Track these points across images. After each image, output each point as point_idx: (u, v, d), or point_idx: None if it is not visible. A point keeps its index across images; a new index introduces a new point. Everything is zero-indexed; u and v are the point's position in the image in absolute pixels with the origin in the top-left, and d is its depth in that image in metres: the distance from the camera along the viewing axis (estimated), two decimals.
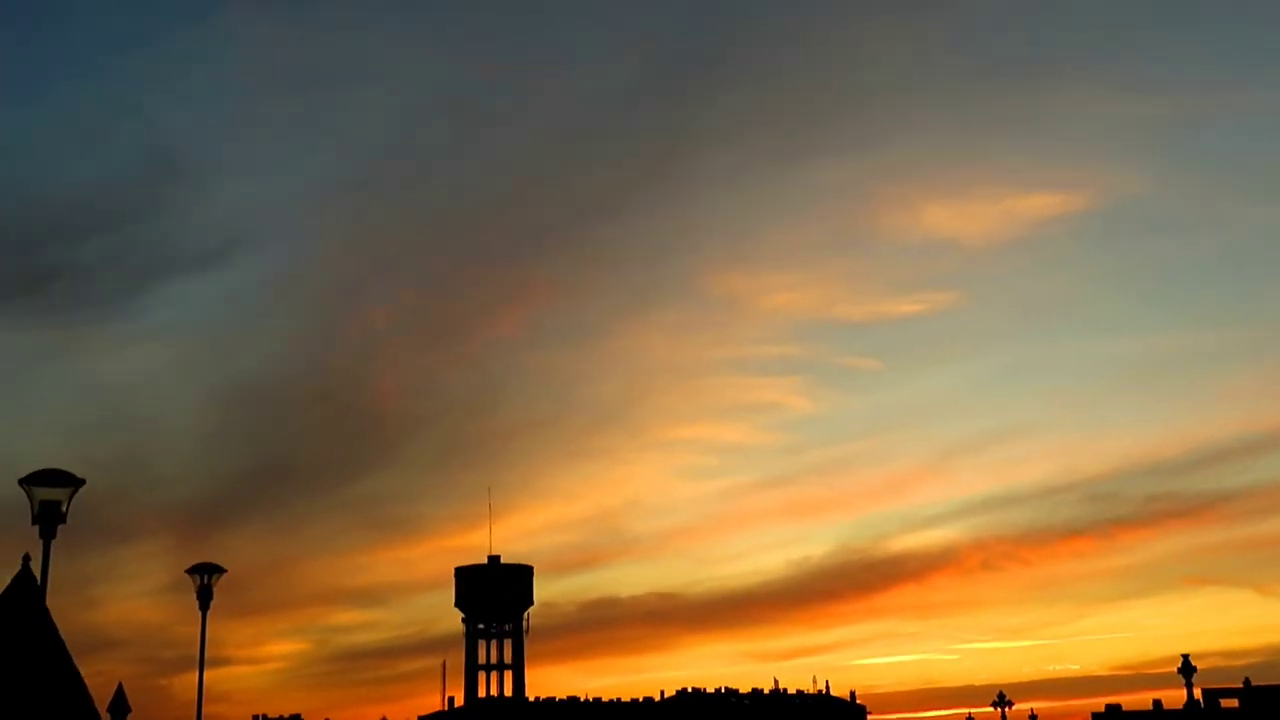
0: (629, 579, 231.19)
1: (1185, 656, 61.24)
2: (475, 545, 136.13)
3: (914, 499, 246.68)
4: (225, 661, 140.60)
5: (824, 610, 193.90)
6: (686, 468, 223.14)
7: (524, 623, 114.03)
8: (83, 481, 17.99)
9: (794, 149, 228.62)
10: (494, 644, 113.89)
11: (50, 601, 22.35)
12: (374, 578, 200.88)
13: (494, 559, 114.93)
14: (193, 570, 28.03)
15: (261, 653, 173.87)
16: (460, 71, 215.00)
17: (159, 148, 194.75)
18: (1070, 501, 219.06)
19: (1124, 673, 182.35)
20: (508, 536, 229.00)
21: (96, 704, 34.27)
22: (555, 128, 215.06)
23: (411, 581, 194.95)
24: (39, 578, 17.27)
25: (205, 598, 28.00)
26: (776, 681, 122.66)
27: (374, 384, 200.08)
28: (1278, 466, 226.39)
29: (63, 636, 33.40)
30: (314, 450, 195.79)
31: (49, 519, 17.53)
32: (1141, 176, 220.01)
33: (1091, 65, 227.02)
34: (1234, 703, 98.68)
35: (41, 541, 17.75)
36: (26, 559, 32.54)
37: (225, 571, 28.49)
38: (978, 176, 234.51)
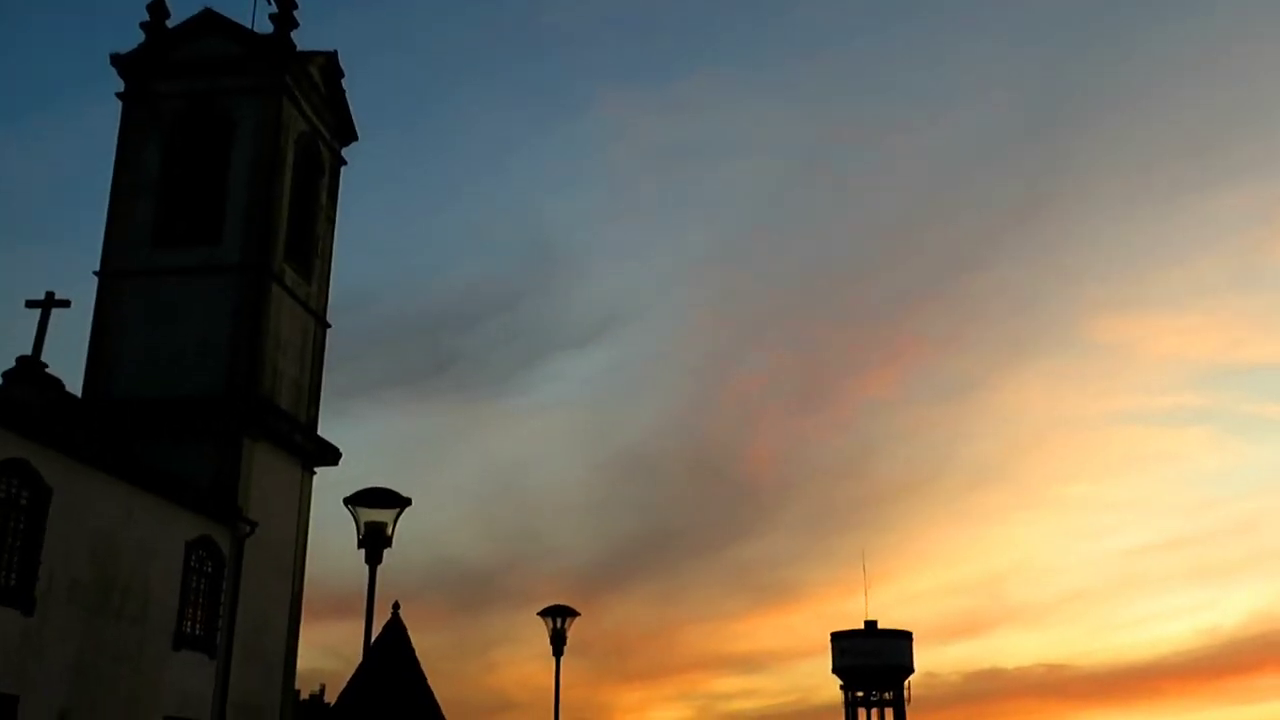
0: (1015, 647, 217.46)
1: None
2: (851, 611, 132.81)
3: None
4: None
5: (1238, 684, 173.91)
6: (1076, 527, 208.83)
7: (905, 691, 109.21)
8: (409, 501, 16.95)
9: (1181, 180, 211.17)
10: (874, 713, 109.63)
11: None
12: (752, 644, 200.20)
13: (870, 624, 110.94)
14: (545, 613, 27.27)
15: (647, 716, 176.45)
16: (816, 136, 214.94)
17: (540, 236, 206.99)
18: None
19: None
20: (885, 602, 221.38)
21: None
22: (920, 179, 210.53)
23: (788, 648, 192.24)
24: (367, 601, 16.37)
25: (559, 642, 27.15)
26: None
27: (748, 450, 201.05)
28: None
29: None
30: (693, 517, 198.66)
31: (375, 542, 16.77)
32: None
33: None
34: None
35: (367, 566, 16.76)
36: (396, 606, 33.18)
37: (578, 615, 27.41)
38: None
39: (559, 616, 27.14)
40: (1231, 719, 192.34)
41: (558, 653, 27.15)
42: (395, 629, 32.94)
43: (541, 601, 30.73)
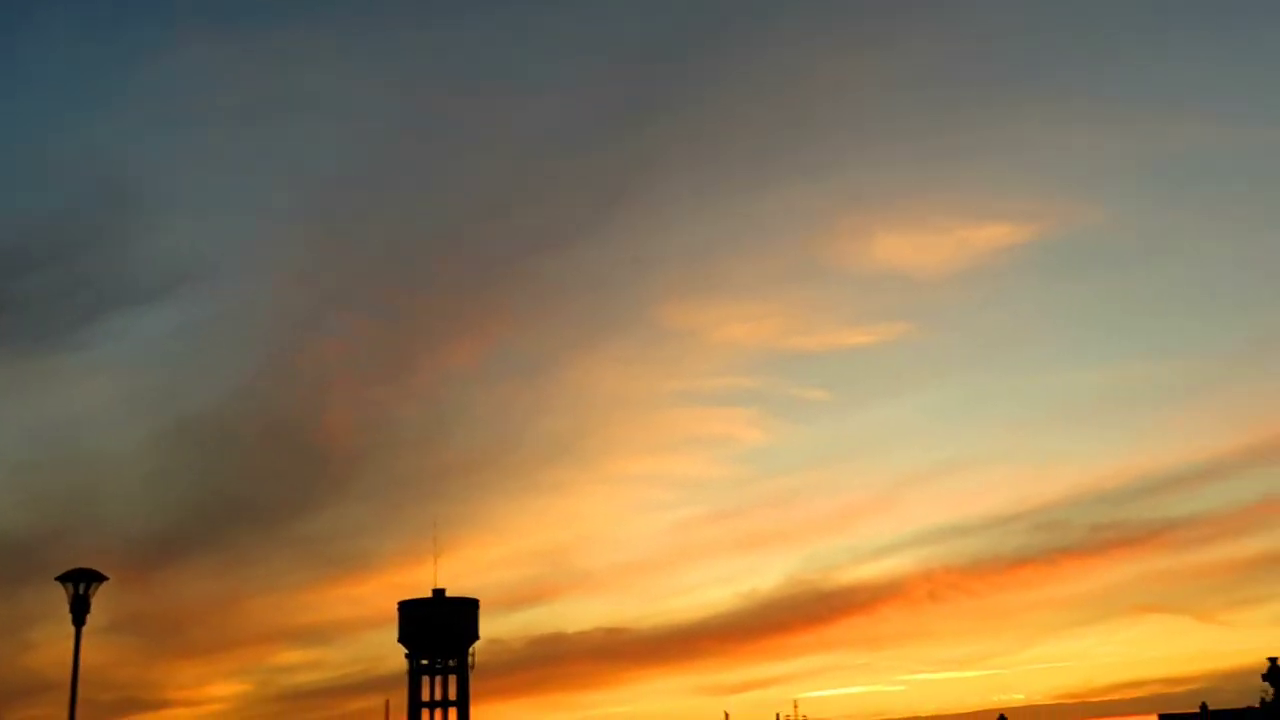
0: (578, 614, 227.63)
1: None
2: (421, 581, 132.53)
3: (863, 530, 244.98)
4: (164, 704, 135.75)
5: (773, 643, 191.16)
6: (637, 501, 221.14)
7: (469, 659, 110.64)
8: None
9: (749, 179, 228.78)
10: (438, 681, 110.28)
11: None
12: (319, 615, 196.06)
13: (438, 592, 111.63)
14: (65, 578, 25.05)
15: (202, 694, 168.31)
16: (413, 103, 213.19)
17: (110, 179, 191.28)
18: (1018, 531, 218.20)
19: (1068, 701, 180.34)
20: (455, 572, 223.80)
21: None
22: (508, 159, 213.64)
23: (357, 619, 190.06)
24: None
25: (80, 610, 25.18)
26: (727, 715, 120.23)
27: (324, 418, 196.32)
28: (1219, 495, 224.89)
29: None
30: (261, 486, 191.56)
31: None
32: (1093, 208, 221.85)
33: (1045, 97, 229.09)
34: None
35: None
36: None
37: (105, 579, 25.48)
38: (932, 207, 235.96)
39: (81, 582, 25.17)
40: (768, 672, 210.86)
41: (78, 622, 25.35)
42: None
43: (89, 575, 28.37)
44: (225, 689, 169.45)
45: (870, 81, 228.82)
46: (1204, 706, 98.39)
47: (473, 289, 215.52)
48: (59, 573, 26.98)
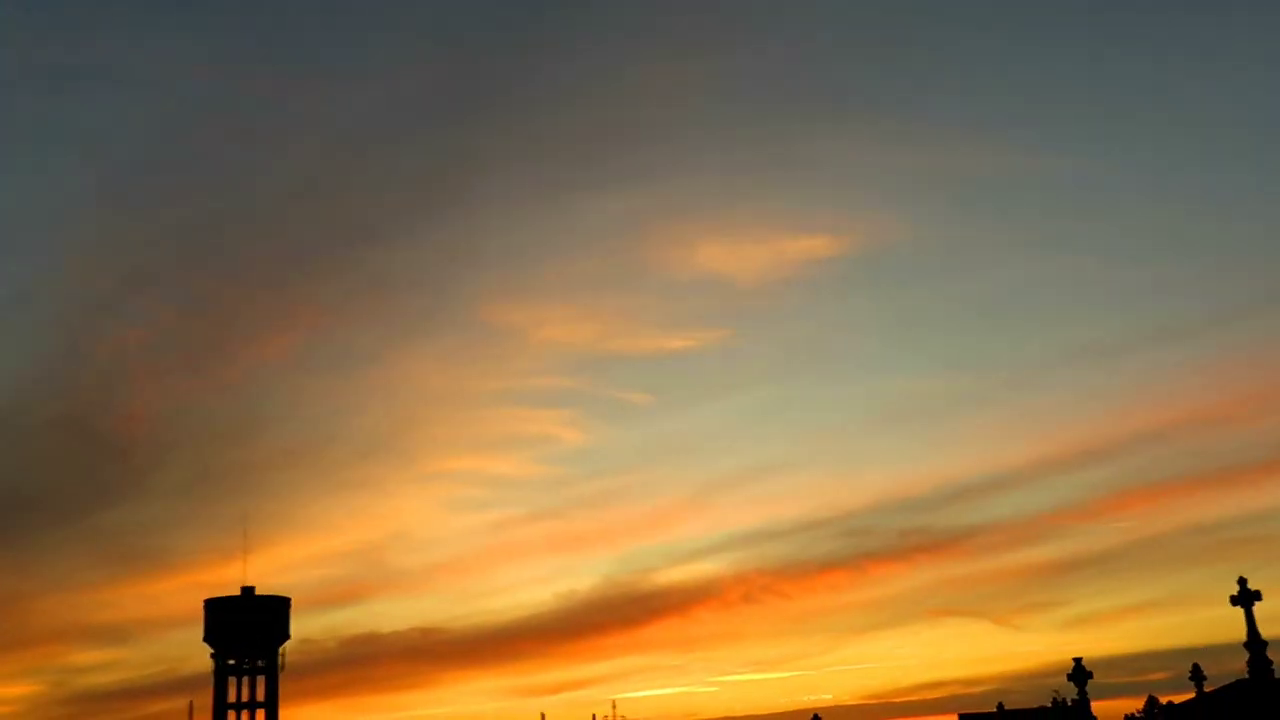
0: (392, 614, 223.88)
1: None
2: (229, 579, 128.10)
3: (679, 532, 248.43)
4: None
5: (589, 644, 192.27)
6: (454, 500, 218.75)
7: (279, 659, 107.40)
8: None
9: (573, 182, 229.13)
10: (246, 681, 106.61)
11: None
12: (117, 614, 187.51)
13: (247, 590, 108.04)
14: None
15: None
16: (230, 84, 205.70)
17: None
18: (827, 536, 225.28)
19: (873, 701, 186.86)
20: (264, 571, 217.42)
21: None
22: (328, 146, 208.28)
23: (158, 618, 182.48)
24: None
25: None
26: (543, 716, 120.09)
27: (123, 409, 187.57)
28: (1016, 503, 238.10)
29: None
30: (54, 478, 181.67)
31: None
32: (902, 224, 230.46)
33: (858, 114, 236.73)
34: None
35: None
36: None
37: None
38: (750, 217, 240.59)
39: None
40: (584, 673, 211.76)
41: None
42: None
43: None
44: (15, 690, 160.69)
45: (693, 90, 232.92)
46: (1000, 706, 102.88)
47: (288, 279, 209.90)
48: None
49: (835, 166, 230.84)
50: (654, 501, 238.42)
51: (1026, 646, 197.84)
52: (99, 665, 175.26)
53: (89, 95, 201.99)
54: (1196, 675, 66.77)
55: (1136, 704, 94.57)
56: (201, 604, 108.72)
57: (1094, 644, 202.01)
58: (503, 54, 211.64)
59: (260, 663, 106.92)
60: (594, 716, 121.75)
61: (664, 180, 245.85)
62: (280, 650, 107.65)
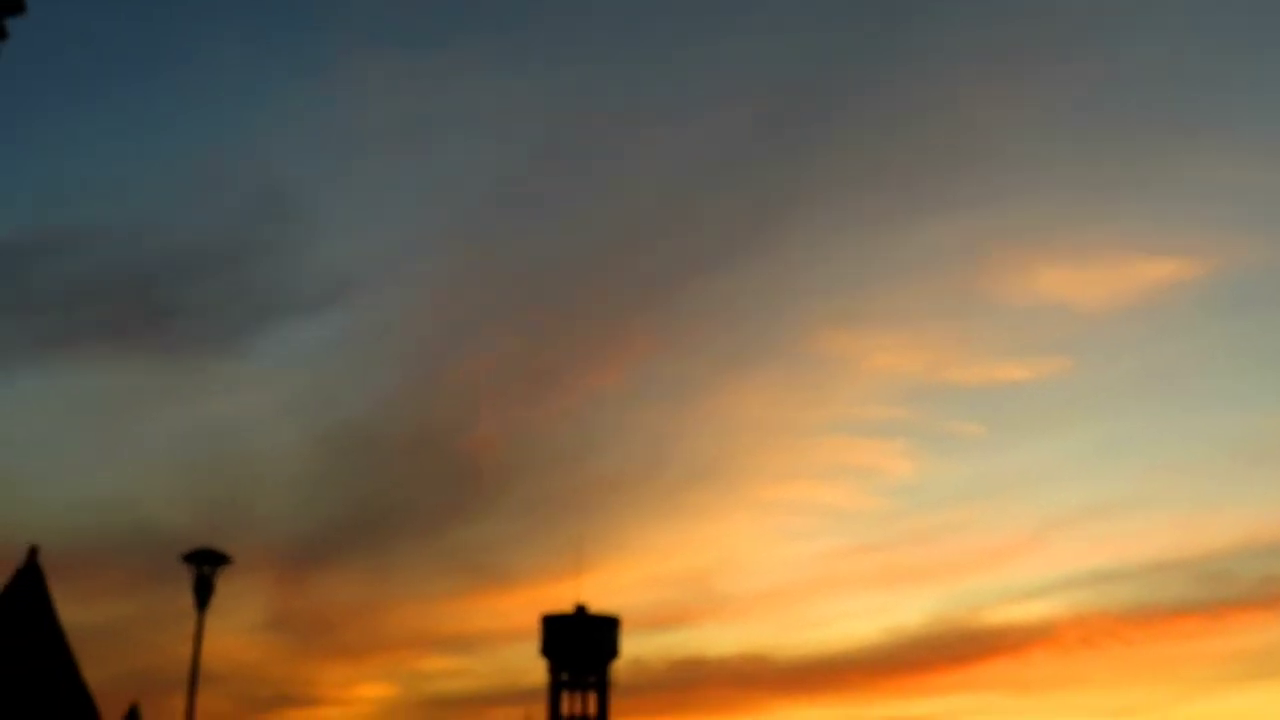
0: (718, 638, 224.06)
1: None
2: (564, 597, 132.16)
3: (1014, 570, 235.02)
4: (316, 701, 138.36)
5: (916, 680, 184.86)
6: (782, 529, 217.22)
7: (608, 676, 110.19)
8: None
9: (906, 207, 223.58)
10: (578, 696, 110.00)
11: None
12: (464, 625, 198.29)
13: (580, 608, 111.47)
14: (190, 558, 24.80)
15: (351, 694, 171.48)
16: (566, 123, 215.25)
17: (274, 192, 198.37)
18: (1178, 580, 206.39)
19: None
20: (597, 591, 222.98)
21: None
22: (661, 180, 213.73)
23: (500, 631, 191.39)
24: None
25: (203, 592, 24.87)
26: None
27: (472, 432, 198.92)
28: None
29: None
30: (411, 496, 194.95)
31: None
32: (1264, 245, 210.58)
33: (1215, 130, 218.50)
34: None
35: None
36: (33, 551, 30.02)
37: (230, 561, 25.18)
38: (1094, 240, 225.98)
39: (205, 564, 24.87)
40: (910, 710, 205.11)
41: (201, 605, 24.90)
42: (28, 577, 29.87)
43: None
44: (373, 691, 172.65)
45: (1031, 111, 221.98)
46: None
47: (621, 311, 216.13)
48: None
49: (1188, 185, 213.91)
50: (986, 537, 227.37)
51: None
52: (447, 672, 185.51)
53: (450, 142, 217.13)
54: None
55: None
56: (538, 619, 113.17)
57: None
58: (832, 76, 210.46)
59: (591, 678, 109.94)
60: None
61: (1002, 202, 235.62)
62: (610, 667, 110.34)
